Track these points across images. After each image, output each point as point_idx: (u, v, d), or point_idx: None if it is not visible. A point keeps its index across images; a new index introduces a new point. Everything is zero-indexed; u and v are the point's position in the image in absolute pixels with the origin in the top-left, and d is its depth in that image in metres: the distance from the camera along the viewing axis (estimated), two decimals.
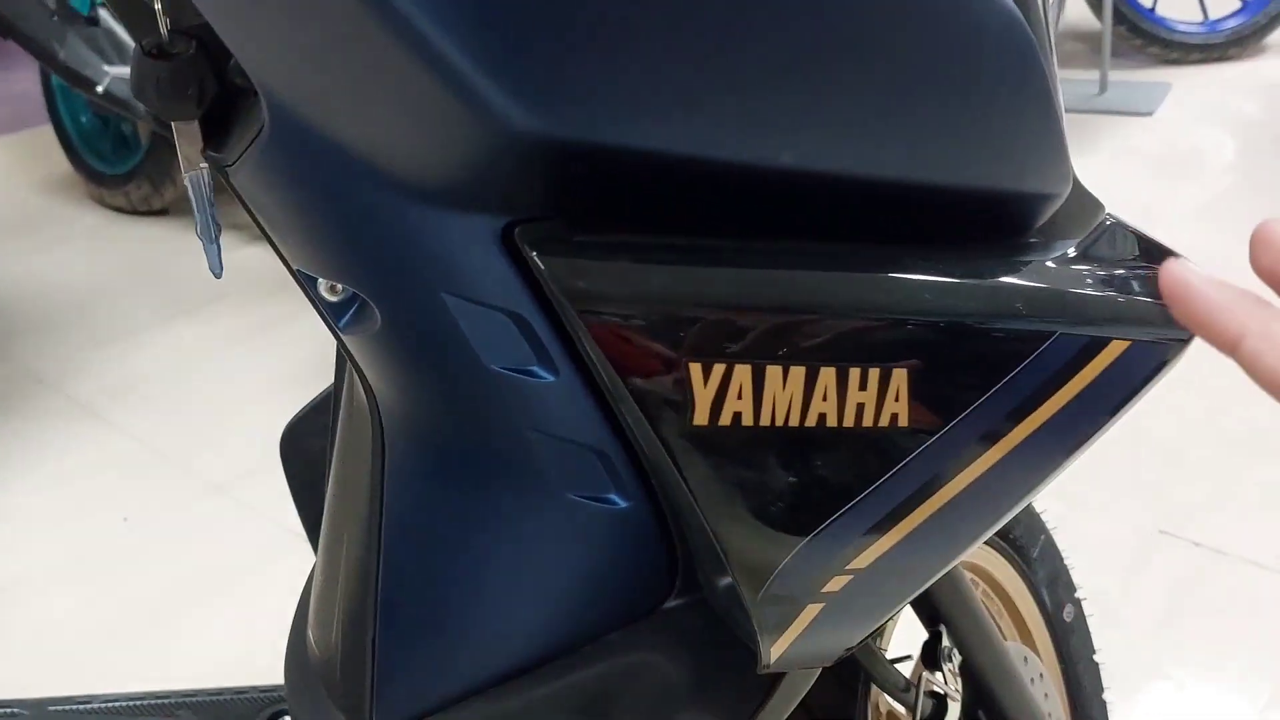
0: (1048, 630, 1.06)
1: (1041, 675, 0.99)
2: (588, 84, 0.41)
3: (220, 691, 0.87)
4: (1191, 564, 1.74)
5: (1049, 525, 1.08)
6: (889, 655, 0.79)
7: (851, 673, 0.79)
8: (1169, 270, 0.41)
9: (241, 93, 0.51)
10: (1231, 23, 4.25)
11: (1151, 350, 0.52)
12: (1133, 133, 3.64)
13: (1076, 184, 0.57)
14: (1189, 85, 4.03)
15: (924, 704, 0.76)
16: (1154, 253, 0.57)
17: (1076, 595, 1.09)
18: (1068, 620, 1.07)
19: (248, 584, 1.85)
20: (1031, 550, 1.02)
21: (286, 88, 0.44)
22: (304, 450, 0.84)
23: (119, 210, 3.54)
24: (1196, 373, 2.07)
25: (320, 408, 0.83)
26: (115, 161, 3.51)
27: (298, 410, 0.85)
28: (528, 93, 0.41)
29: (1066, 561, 1.09)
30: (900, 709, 0.78)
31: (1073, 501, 1.81)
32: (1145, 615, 1.66)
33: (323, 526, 0.66)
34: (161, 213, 3.45)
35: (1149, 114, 3.78)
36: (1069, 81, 4.00)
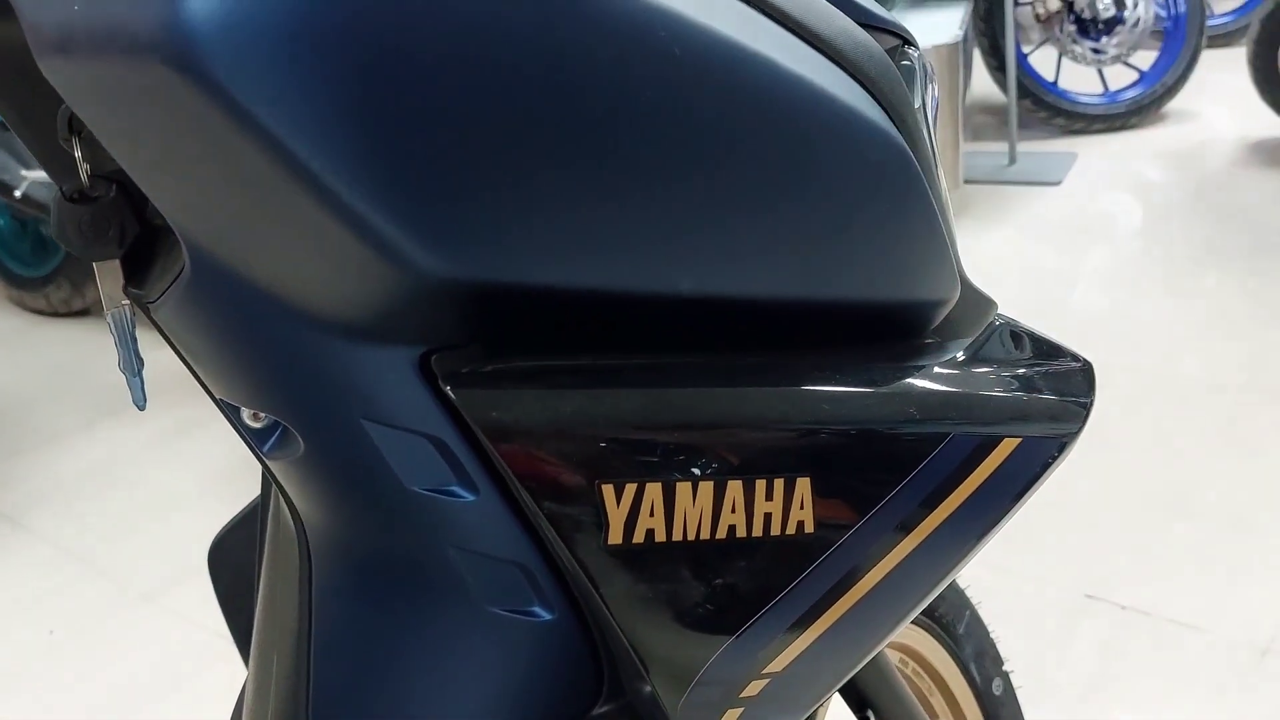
0: (978, 705, 1.07)
1: None
2: (495, 231, 0.43)
3: None
4: (1119, 627, 1.78)
5: (975, 597, 1.10)
6: None
7: None
8: None
9: (162, 231, 0.52)
10: (1130, 93, 4.42)
11: (1043, 445, 0.55)
12: (1042, 201, 3.75)
13: (969, 284, 0.60)
14: (1094, 154, 4.16)
15: None
16: (1043, 349, 0.60)
17: (1004, 668, 1.11)
18: (997, 694, 1.09)
19: (181, 695, 1.82)
20: (958, 627, 1.05)
21: (204, 235, 0.46)
22: (232, 563, 0.84)
23: (39, 313, 3.49)
24: (1113, 437, 2.12)
25: (247, 520, 0.83)
26: (34, 264, 3.48)
27: (225, 521, 0.85)
28: (438, 241, 0.43)
29: (993, 634, 1.12)
30: None
31: (1000, 570, 1.84)
32: (1075, 680, 1.68)
33: (252, 645, 0.66)
34: (83, 314, 3.42)
35: (1057, 183, 3.89)
36: (979, 155, 4.12)
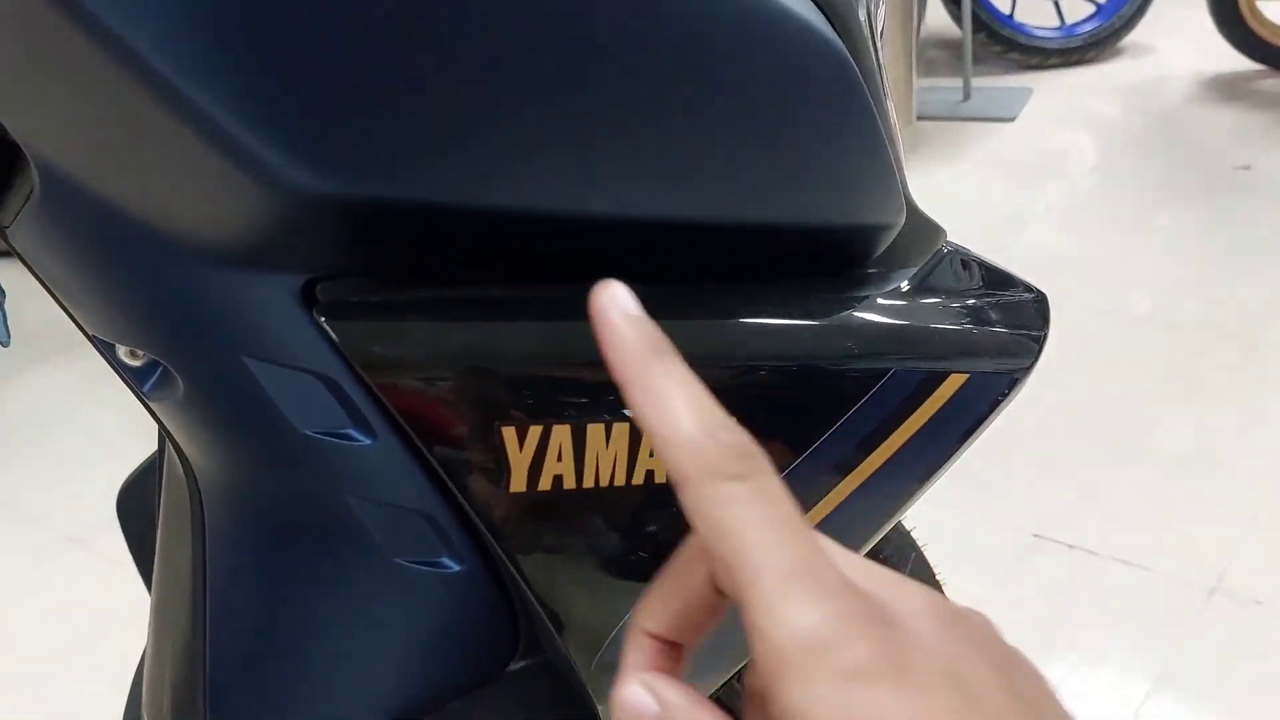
0: None
1: None
2: (371, 142, 0.38)
3: None
4: (1066, 566, 1.77)
5: (921, 538, 1.07)
6: None
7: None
8: (598, 293, 0.36)
9: (15, 149, 0.47)
10: (1087, 27, 4.37)
11: (993, 380, 0.51)
12: (997, 138, 3.72)
13: (916, 209, 0.56)
14: (1049, 89, 4.12)
15: None
16: (994, 279, 0.56)
17: None
18: None
19: (111, 642, 1.77)
20: (903, 569, 1.02)
21: (52, 150, 0.41)
22: (141, 509, 0.80)
23: None
24: (1063, 376, 2.10)
25: (156, 465, 0.79)
26: None
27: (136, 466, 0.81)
28: (307, 155, 0.38)
29: (940, 575, 1.09)
30: None
31: (947, 509, 1.83)
32: (1022, 620, 1.67)
33: (151, 600, 0.62)
34: (4, 255, 3.32)
35: (1012, 119, 3.86)
36: (933, 90, 4.07)
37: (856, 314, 0.48)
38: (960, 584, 1.15)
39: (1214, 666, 1.56)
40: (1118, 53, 4.40)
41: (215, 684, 0.53)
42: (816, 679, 0.30)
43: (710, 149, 0.43)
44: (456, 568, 0.50)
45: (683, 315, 0.45)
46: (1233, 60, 3.93)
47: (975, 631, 0.36)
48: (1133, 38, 4.41)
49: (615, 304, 0.36)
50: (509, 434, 0.42)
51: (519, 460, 0.43)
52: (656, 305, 0.45)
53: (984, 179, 3.39)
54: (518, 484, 0.43)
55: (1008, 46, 4.33)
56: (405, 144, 0.39)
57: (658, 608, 0.37)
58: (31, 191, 0.42)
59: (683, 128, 0.43)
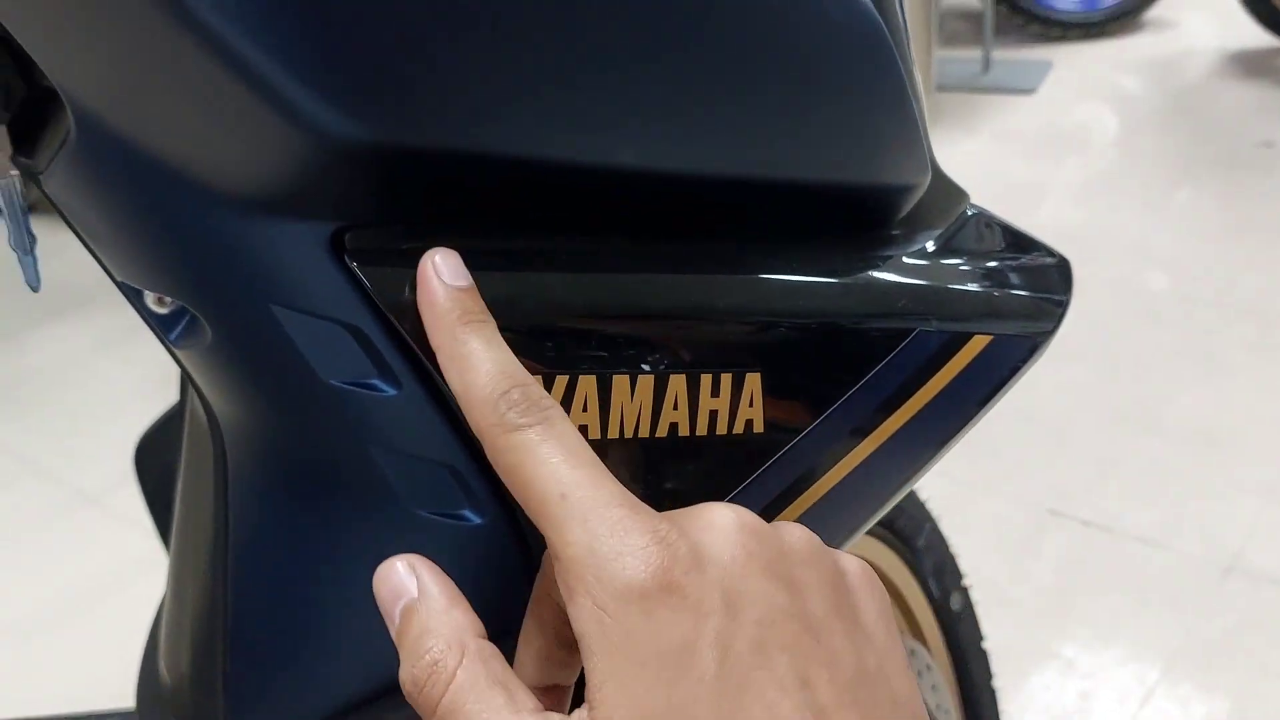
0: (936, 620, 1.05)
1: (929, 667, 0.98)
2: (407, 87, 0.38)
3: (77, 718, 0.83)
4: (1081, 542, 1.76)
5: (935, 510, 1.08)
6: None
7: None
8: (426, 258, 0.40)
9: (51, 95, 0.47)
10: (1109, 1, 4.34)
11: (1016, 343, 0.51)
12: (1016, 111, 3.70)
13: (940, 172, 0.56)
14: (1070, 63, 4.10)
15: None
16: (1018, 242, 0.56)
17: (964, 583, 1.09)
18: (956, 609, 1.07)
19: (122, 599, 1.79)
20: (916, 539, 1.02)
21: (88, 94, 0.41)
22: (159, 463, 0.80)
23: None
24: (1080, 348, 2.10)
25: (174, 418, 0.79)
26: None
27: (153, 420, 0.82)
28: (343, 99, 0.38)
29: (953, 548, 1.09)
30: None
31: (963, 483, 1.83)
32: (1036, 596, 1.67)
33: (171, 549, 0.62)
34: (29, 209, 3.32)
35: (1032, 91, 3.84)
36: (953, 61, 4.05)
37: (881, 273, 0.49)
38: (973, 558, 1.16)
39: (1228, 646, 1.56)
40: (1139, 27, 4.37)
41: (236, 634, 0.54)
42: (596, 597, 0.32)
43: (742, 105, 0.44)
44: (477, 520, 0.50)
45: (707, 270, 0.45)
46: (1256, 36, 3.90)
47: (783, 543, 0.35)
48: (1154, 12, 4.38)
49: (437, 270, 0.39)
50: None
51: None
52: (682, 259, 0.46)
53: (1002, 151, 3.38)
54: None
55: (1028, 19, 4.30)
56: (444, 92, 0.39)
57: (525, 657, 0.39)
58: (66, 138, 0.42)
59: (717, 83, 0.43)
